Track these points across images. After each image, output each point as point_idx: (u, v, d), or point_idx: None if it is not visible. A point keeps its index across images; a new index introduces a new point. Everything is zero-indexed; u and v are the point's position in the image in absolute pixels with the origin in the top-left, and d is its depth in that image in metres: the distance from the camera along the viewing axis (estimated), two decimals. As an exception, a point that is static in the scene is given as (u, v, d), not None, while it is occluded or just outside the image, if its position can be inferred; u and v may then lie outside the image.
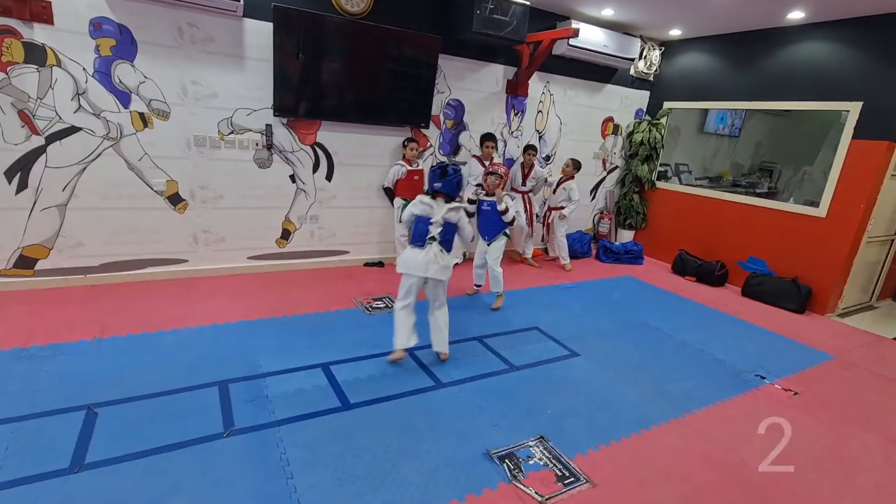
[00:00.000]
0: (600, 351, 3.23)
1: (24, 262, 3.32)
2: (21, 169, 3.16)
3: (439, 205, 2.66)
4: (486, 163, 4.50)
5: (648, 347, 3.37)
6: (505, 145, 5.05)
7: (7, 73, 2.97)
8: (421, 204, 2.68)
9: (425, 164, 4.57)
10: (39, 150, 3.17)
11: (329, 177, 4.22)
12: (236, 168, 3.79)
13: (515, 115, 5.00)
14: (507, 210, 3.44)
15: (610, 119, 5.71)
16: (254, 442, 2.06)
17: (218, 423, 2.16)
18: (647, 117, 5.82)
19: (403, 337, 2.72)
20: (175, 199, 3.66)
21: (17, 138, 3.10)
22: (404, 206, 4.27)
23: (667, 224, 5.74)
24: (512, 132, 5.05)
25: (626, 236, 5.99)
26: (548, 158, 5.40)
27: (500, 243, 3.65)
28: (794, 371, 3.20)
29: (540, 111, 5.16)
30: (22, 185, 3.18)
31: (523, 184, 4.79)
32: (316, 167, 4.14)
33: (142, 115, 3.38)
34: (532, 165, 4.77)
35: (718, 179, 6.32)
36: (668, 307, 4.23)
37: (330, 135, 4.09)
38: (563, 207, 4.91)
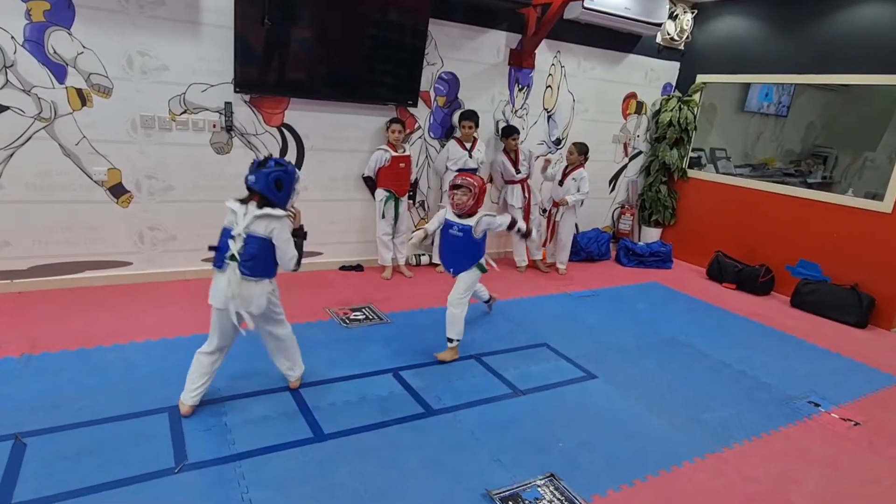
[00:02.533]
0: (622, 372, 3.26)
1: (-63, 267, 3.34)
2: (-66, 156, 3.17)
3: (249, 210, 2.28)
4: (468, 145, 4.55)
5: (679, 368, 3.41)
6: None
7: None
8: (229, 210, 2.32)
9: (413, 150, 4.62)
10: (-44, 134, 3.19)
11: (299, 164, 4.25)
12: (190, 154, 3.82)
13: (520, 90, 5.04)
14: (513, 224, 3.25)
15: (632, 96, 5.76)
16: (211, 479, 2.09)
17: (168, 455, 2.18)
18: (677, 93, 5.89)
19: (193, 386, 2.41)
20: (117, 191, 3.68)
21: (-72, 119, 3.12)
22: (387, 200, 4.35)
23: (701, 221, 5.80)
24: (516, 111, 5.10)
25: (651, 235, 6.05)
26: (558, 143, 5.46)
27: (469, 276, 3.18)
28: (855, 397, 3.25)
29: (549, 86, 5.21)
30: (-65, 175, 3.20)
31: (517, 171, 4.83)
32: (283, 153, 4.17)
33: (79, 91, 3.40)
34: (517, 150, 4.81)
35: (762, 167, 6.38)
36: (702, 320, 4.29)
37: (300, 115, 4.12)
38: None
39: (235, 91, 3.80)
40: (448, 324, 3.17)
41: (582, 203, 4.93)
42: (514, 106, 5.07)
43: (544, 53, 5.03)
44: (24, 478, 1.99)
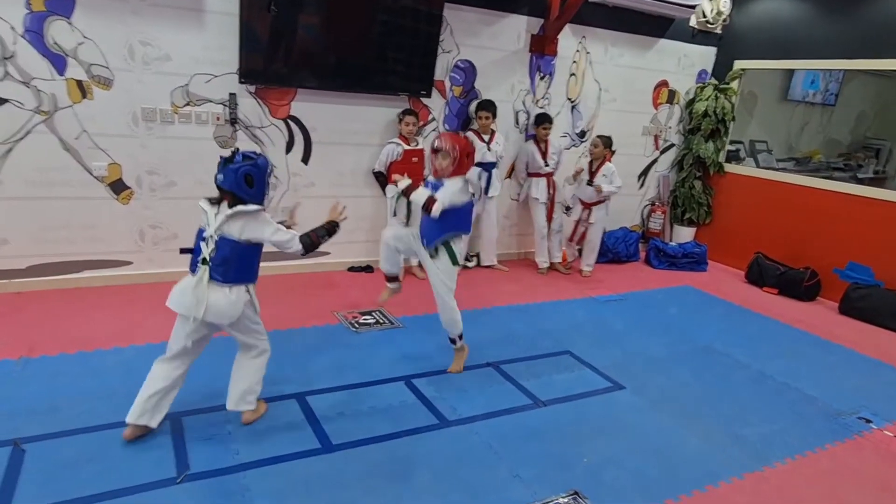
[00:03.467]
0: (652, 383, 3.24)
1: (-65, 265, 3.45)
2: (-66, 151, 3.29)
3: (221, 210, 2.25)
4: (486, 137, 4.57)
5: (715, 379, 3.37)
6: (527, 117, 5.10)
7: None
8: (201, 210, 2.30)
9: (427, 143, 4.64)
10: (-44, 128, 3.30)
11: (306, 159, 4.30)
12: (192, 148, 3.89)
13: (542, 79, 5.04)
14: (430, 202, 2.79)
15: (664, 84, 5.72)
16: (213, 490, 2.12)
17: (170, 464, 2.22)
18: (713, 81, 5.82)
19: (140, 406, 2.29)
20: (118, 187, 3.77)
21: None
22: (399, 196, 4.36)
23: (739, 219, 5.72)
24: (537, 101, 5.09)
25: (684, 234, 5.99)
26: (583, 135, 5.43)
27: (443, 262, 2.93)
28: (908, 412, 3.20)
29: (573, 74, 5.19)
30: (-65, 170, 3.32)
31: (545, 164, 4.84)
32: (290, 147, 4.22)
33: (80, 83, 3.49)
34: (547, 140, 4.83)
35: (807, 161, 6.25)
36: (740, 327, 4.23)
37: (307, 106, 4.17)
38: (603, 201, 4.90)
39: (240, 82, 3.86)
40: (442, 318, 3.06)
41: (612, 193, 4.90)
42: (535, 95, 5.06)
43: (568, 39, 5.01)
44: (22, 485, 2.04)
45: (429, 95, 4.50)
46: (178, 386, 2.39)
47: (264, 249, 2.40)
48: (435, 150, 2.86)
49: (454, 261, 2.96)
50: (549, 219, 5.00)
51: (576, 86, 5.23)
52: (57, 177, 3.58)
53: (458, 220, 2.92)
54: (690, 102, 5.85)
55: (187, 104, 3.80)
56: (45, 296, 3.60)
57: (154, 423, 2.33)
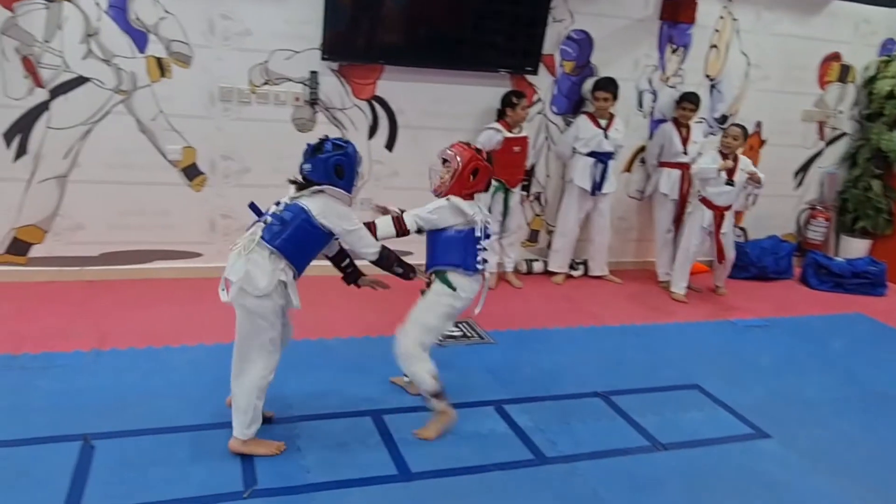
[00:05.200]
0: (806, 434, 3.09)
1: (17, 248, 3.94)
2: (22, 130, 3.76)
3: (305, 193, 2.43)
4: (602, 122, 4.52)
5: (892, 434, 3.17)
6: (654, 98, 4.98)
7: (13, 11, 3.57)
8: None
9: (530, 128, 4.64)
10: (42, 107, 3.75)
11: (390, 145, 4.45)
12: (269, 131, 4.16)
13: (673, 52, 4.91)
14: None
15: (834, 57, 5.39)
16: (280, 509, 2.27)
17: (236, 477, 2.37)
18: (903, 53, 5.40)
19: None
20: (191, 172, 4.12)
21: (19, 92, 3.70)
22: (496, 192, 4.40)
23: (933, 231, 5.25)
24: (667, 79, 4.96)
25: (855, 248, 5.66)
26: (723, 121, 5.21)
27: (433, 290, 2.73)
28: None
29: (714, 46, 5.02)
30: (21, 151, 3.79)
31: (684, 152, 4.72)
32: (373, 131, 4.40)
33: (159, 60, 3.86)
34: (689, 125, 4.74)
35: None
36: (929, 370, 3.92)
37: (394, 85, 4.33)
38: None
39: (323, 58, 4.08)
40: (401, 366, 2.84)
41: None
42: (664, 72, 4.93)
43: (709, 3, 4.85)
44: (91, 484, 2.29)
45: (535, 72, 4.51)
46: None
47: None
48: (443, 161, 2.75)
49: (450, 286, 2.70)
50: (679, 221, 4.84)
51: (717, 60, 5.05)
52: (133, 160, 3.97)
53: (446, 250, 2.70)
54: (870, 81, 5.50)
55: (265, 83, 4.07)
56: (116, 286, 4.00)
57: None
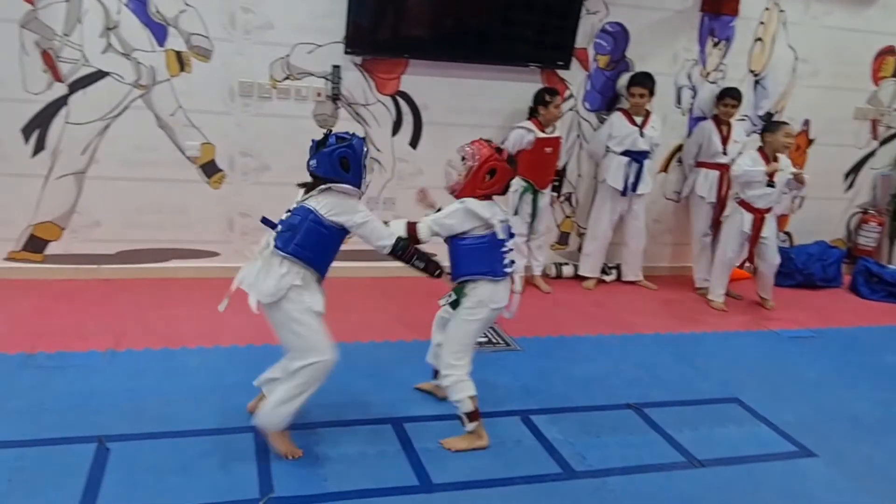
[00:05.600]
0: (855, 453, 3.02)
1: (34, 245, 4.04)
2: (40, 125, 3.86)
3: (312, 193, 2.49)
4: (638, 120, 4.49)
5: None
6: (693, 94, 4.92)
7: (34, 5, 3.66)
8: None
9: (562, 126, 4.61)
10: (60, 102, 3.84)
11: (414, 142, 4.46)
12: (289, 127, 4.20)
13: (715, 45, 4.86)
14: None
15: (889, 51, 5.31)
16: (296, 519, 2.28)
17: (253, 483, 2.39)
18: (967, 47, 5.24)
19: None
20: (210, 169, 4.17)
21: (38, 86, 3.79)
22: (524, 192, 4.39)
23: None
24: (708, 74, 4.91)
25: (912, 256, 5.51)
26: (768, 118, 5.10)
27: (462, 316, 2.72)
28: None
29: (759, 39, 4.95)
30: (39, 146, 3.89)
31: (723, 152, 4.66)
32: (397, 128, 4.41)
33: (179, 54, 3.92)
34: (730, 123, 4.70)
35: None
36: None
37: (419, 80, 4.34)
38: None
39: (346, 52, 4.10)
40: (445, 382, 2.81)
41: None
42: (705, 67, 4.88)
43: (755, -7, 4.80)
44: (106, 486, 2.32)
45: (567, 67, 4.48)
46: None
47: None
48: (462, 158, 2.73)
49: (472, 300, 2.70)
50: (716, 225, 4.76)
51: (762, 54, 4.97)
52: (151, 156, 4.03)
53: (470, 259, 2.69)
54: (928, 76, 5.35)
55: (287, 78, 4.11)
56: (132, 285, 4.08)
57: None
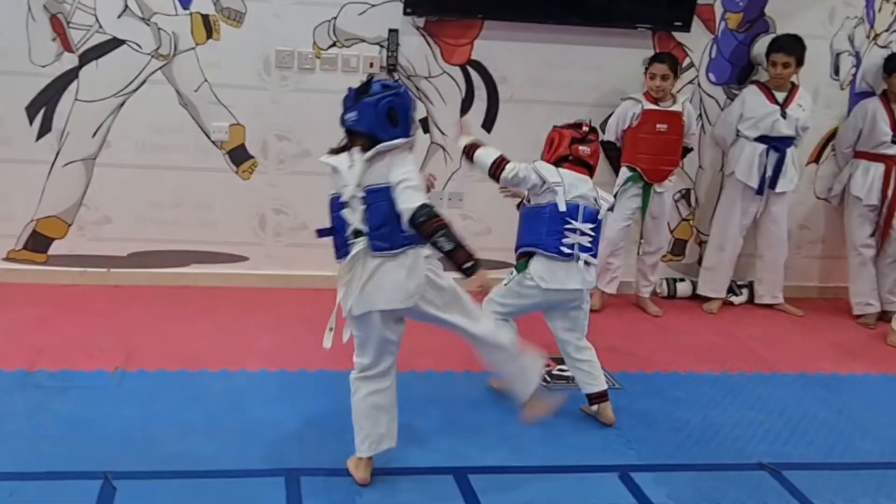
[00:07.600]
0: None
1: (37, 243, 4.25)
2: (46, 103, 4.05)
3: (356, 159, 2.41)
4: (780, 96, 4.42)
5: None
6: (856, 63, 4.78)
7: (44, -38, 3.87)
8: (330, 168, 2.52)
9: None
10: (70, 76, 4.03)
11: (489, 123, 4.45)
12: (335, 106, 4.17)
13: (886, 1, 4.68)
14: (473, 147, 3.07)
15: None
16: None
17: (277, 536, 2.40)
18: None
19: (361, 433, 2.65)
20: (239, 156, 4.28)
21: (45, 58, 3.99)
22: (629, 183, 4.33)
23: None
24: (876, 36, 4.76)
25: None
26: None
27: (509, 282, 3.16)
28: None
29: (951, -11, 4.72)
30: (45, 128, 4.09)
31: (893, 140, 4.52)
32: (467, 106, 4.41)
33: (206, 18, 4.05)
34: None
35: None
36: None
37: (496, 46, 4.34)
38: None
39: (406, 13, 4.14)
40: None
41: None
42: (872, 27, 4.74)
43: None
44: (109, 533, 2.37)
45: (687, 29, 4.40)
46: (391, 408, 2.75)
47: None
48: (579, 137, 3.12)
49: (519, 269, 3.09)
50: (885, 235, 4.61)
51: (952, 10, 4.76)
52: (170, 140, 4.18)
53: (527, 228, 3.13)
54: None
55: (333, 45, 4.19)
56: (146, 292, 4.21)
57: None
